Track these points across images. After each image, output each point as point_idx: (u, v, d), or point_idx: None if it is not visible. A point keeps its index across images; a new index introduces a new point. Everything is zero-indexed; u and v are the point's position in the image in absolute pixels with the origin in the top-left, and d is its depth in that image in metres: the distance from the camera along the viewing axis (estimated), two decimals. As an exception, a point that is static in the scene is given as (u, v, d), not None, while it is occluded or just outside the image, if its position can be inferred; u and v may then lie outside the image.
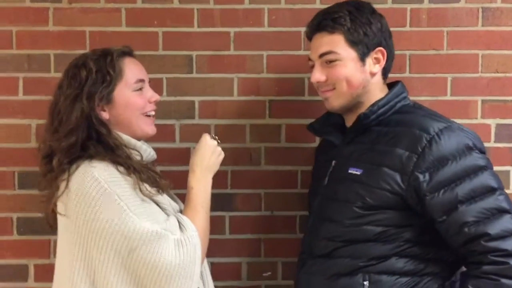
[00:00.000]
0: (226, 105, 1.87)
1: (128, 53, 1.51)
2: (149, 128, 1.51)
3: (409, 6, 1.85)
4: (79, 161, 1.38)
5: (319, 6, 1.82)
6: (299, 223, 1.87)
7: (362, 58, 1.48)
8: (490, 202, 1.33)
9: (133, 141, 1.47)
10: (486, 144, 1.82)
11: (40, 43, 1.84)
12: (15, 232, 1.85)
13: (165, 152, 1.86)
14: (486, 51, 1.86)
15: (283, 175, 1.87)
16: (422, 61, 1.86)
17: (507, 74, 1.86)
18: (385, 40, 1.51)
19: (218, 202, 1.86)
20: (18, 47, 1.84)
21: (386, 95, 1.50)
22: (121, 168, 1.39)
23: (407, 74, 1.86)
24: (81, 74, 1.42)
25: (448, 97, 1.87)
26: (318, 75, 1.50)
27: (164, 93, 1.86)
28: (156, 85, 1.84)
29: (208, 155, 1.50)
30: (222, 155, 1.54)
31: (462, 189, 1.34)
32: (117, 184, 1.36)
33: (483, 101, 1.86)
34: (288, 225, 1.88)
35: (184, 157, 1.83)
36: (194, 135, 1.86)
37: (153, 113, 1.52)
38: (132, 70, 1.48)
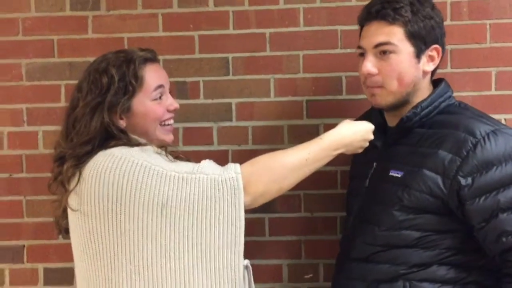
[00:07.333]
0: (263, 106, 1.86)
1: (150, 59, 1.44)
2: (167, 137, 1.45)
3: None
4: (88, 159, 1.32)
5: (355, 3, 1.80)
6: (339, 224, 1.84)
7: (418, 54, 1.41)
8: None
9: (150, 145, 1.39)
10: (534, 140, 1.78)
11: (81, 50, 1.88)
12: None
13: (203, 155, 1.84)
14: (532, 43, 1.79)
15: (322, 175, 1.84)
16: (464, 55, 1.80)
17: (555, 66, 1.79)
18: (441, 37, 1.44)
19: (257, 204, 1.86)
20: (60, 55, 1.89)
21: (430, 95, 1.43)
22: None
23: (448, 69, 1.80)
24: (102, 81, 1.35)
25: (492, 92, 1.80)
26: (369, 66, 1.41)
27: (202, 96, 1.87)
28: (193, 88, 1.87)
29: (354, 130, 1.39)
30: (364, 144, 1.41)
31: (505, 197, 1.28)
32: (135, 151, 1.30)
33: (530, 95, 1.79)
34: (329, 226, 1.85)
35: (222, 159, 1.84)
36: (231, 137, 1.87)
37: (171, 121, 1.47)
38: (152, 77, 1.41)
